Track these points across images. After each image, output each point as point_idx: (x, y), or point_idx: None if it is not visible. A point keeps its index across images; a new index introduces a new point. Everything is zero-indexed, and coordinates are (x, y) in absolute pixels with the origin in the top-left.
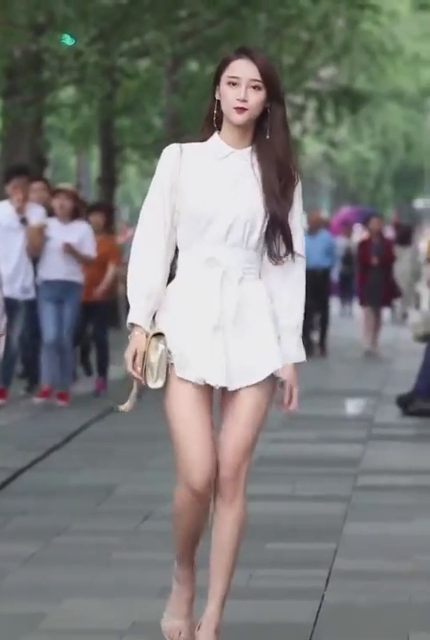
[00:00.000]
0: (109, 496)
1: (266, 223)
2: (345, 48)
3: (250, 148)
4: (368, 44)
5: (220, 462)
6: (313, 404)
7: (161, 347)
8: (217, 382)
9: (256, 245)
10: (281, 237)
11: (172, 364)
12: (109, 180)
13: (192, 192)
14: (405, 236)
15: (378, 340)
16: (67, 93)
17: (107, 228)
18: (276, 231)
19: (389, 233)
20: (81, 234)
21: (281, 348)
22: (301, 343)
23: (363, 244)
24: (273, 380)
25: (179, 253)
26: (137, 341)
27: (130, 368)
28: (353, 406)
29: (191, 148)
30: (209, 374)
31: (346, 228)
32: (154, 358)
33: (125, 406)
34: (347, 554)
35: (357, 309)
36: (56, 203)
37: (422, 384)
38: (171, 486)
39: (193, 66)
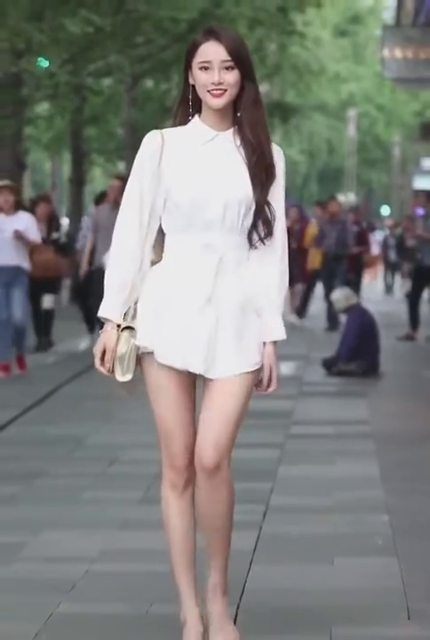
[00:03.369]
0: (80, 445)
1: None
2: (276, 68)
3: (232, 129)
4: (296, 64)
5: (201, 453)
6: None
7: (131, 340)
8: (198, 369)
9: (246, 230)
10: (261, 220)
11: (151, 353)
12: (79, 180)
13: (182, 178)
14: None
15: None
16: (43, 107)
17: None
18: (258, 214)
19: None
20: (26, 223)
21: (262, 328)
22: (281, 321)
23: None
24: (257, 370)
25: (168, 238)
26: (107, 337)
27: (98, 364)
28: (285, 368)
29: (172, 133)
30: (191, 361)
31: None
32: (123, 351)
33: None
34: (281, 492)
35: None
36: (1, 198)
37: (343, 349)
38: (133, 437)
39: (149, 83)
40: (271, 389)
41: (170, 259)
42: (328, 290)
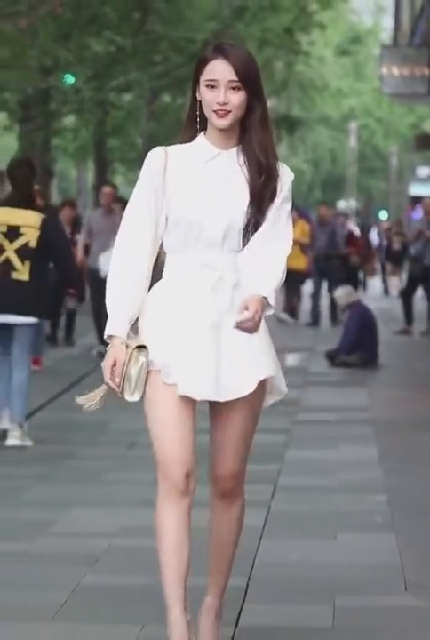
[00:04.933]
0: (103, 430)
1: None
2: (283, 84)
3: (236, 148)
4: (301, 81)
5: (216, 476)
6: None
7: (142, 359)
8: (202, 396)
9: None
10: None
11: (158, 371)
12: (102, 187)
13: (182, 196)
14: None
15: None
16: (69, 120)
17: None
18: (253, 229)
19: None
20: None
21: (254, 290)
22: (274, 291)
23: None
24: (262, 386)
25: (168, 257)
26: (116, 352)
27: (107, 378)
28: (292, 359)
29: (176, 150)
30: (194, 387)
31: None
32: (134, 371)
33: (85, 400)
34: (288, 473)
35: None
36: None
37: (345, 342)
38: None
39: (166, 98)
40: (245, 326)
41: (169, 278)
42: (317, 288)
